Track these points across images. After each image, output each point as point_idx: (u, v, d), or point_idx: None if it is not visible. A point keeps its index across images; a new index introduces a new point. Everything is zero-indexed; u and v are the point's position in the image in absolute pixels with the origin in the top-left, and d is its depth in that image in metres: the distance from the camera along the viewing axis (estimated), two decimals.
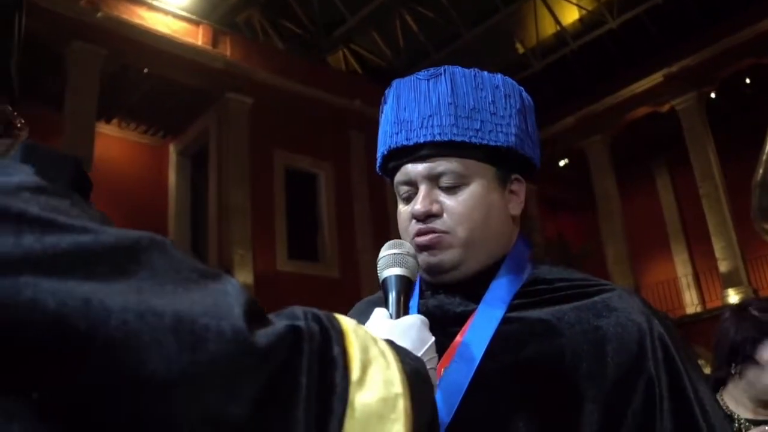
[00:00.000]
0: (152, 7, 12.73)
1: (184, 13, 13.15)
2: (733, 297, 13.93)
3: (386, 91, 1.12)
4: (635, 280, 15.35)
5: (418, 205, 1.02)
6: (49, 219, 0.44)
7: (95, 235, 0.45)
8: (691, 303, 16.76)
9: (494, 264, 1.05)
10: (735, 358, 2.03)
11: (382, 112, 1.12)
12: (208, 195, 13.25)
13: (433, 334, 1.00)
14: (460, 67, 1.08)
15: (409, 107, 1.05)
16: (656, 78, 15.45)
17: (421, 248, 1.02)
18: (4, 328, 0.39)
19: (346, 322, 0.59)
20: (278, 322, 0.51)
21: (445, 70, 1.06)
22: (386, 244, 0.98)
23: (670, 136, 15.90)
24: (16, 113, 0.64)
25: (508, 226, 1.08)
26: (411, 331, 0.83)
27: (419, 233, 1.03)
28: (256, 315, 0.50)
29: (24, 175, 0.48)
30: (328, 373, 0.52)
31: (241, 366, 0.46)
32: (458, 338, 1.00)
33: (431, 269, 1.04)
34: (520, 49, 16.56)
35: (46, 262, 0.42)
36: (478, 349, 0.97)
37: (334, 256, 13.57)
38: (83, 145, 11.18)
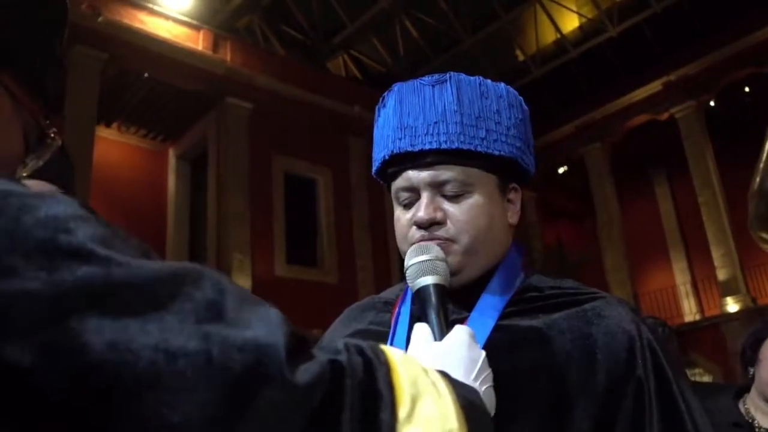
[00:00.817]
0: (153, 12, 12.76)
1: (185, 18, 13.18)
2: (732, 305, 13.94)
3: (385, 95, 1.11)
4: (633, 288, 15.35)
5: (422, 212, 1.01)
6: (94, 251, 0.43)
7: (134, 269, 0.44)
8: (689, 311, 16.75)
9: (490, 271, 1.05)
10: (748, 361, 2.05)
11: (379, 116, 1.11)
12: (207, 199, 13.24)
13: None
14: (464, 75, 1.07)
15: (413, 113, 1.03)
16: (655, 86, 15.49)
17: None
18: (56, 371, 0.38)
19: (393, 353, 0.56)
20: (318, 358, 0.49)
21: (450, 77, 1.05)
22: (411, 250, 0.98)
23: (670, 144, 15.93)
24: (49, 122, 0.63)
25: (506, 234, 1.08)
26: (460, 350, 0.81)
27: (421, 241, 1.02)
28: (296, 349, 0.47)
29: (69, 205, 0.46)
30: (372, 410, 0.49)
31: (281, 410, 0.44)
32: None
33: None
34: (520, 56, 16.60)
35: (89, 298, 0.40)
36: None
37: (332, 261, 13.56)
38: (83, 149, 11.18)
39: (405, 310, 1.07)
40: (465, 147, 1.00)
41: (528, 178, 1.12)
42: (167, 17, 12.91)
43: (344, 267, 13.50)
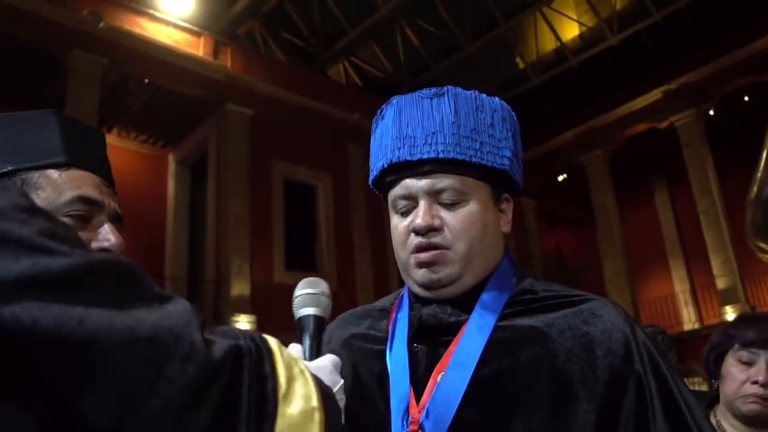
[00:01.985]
0: (154, 18, 12.79)
1: (186, 24, 13.22)
2: (731, 314, 13.91)
3: (383, 107, 1.14)
4: (633, 296, 15.34)
5: (420, 219, 1.04)
6: (42, 244, 0.47)
7: (80, 259, 0.49)
8: (688, 320, 16.74)
9: (485, 278, 1.09)
10: (711, 374, 2.02)
11: (376, 127, 1.15)
12: (207, 204, 13.24)
13: (426, 344, 1.07)
14: (461, 89, 1.11)
15: (411, 123, 1.07)
16: (655, 94, 15.52)
17: (421, 265, 1.05)
18: (7, 349, 0.42)
19: (272, 342, 0.67)
20: (223, 341, 0.58)
21: (448, 90, 1.09)
22: (301, 283, 1.03)
23: (669, 152, 15.96)
24: None
25: (500, 242, 1.12)
26: (323, 372, 0.87)
27: (419, 249, 1.05)
28: (205, 332, 0.56)
29: (15, 196, 0.50)
30: (261, 388, 0.60)
31: (204, 380, 0.52)
32: (452, 347, 1.03)
33: (431, 285, 1.06)
34: (520, 64, 16.64)
35: (41, 285, 0.45)
36: (473, 357, 1.01)
37: (332, 267, 13.55)
38: None
39: (402, 316, 1.11)
40: (461, 157, 1.04)
41: (518, 190, 1.15)
42: (168, 23, 12.93)
43: (343, 273, 13.49)
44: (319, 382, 0.69)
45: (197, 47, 13.25)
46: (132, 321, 0.48)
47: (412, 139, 1.06)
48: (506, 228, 1.13)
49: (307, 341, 0.96)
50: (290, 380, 0.63)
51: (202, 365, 0.51)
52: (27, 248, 0.46)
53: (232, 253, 12.27)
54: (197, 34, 13.36)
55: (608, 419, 0.95)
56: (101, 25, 11.77)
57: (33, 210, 0.50)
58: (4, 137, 0.95)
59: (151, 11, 12.75)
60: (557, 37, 15.84)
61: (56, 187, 0.93)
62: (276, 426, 0.59)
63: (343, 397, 0.88)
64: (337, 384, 0.87)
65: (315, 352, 0.94)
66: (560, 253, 16.19)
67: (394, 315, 1.14)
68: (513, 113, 1.14)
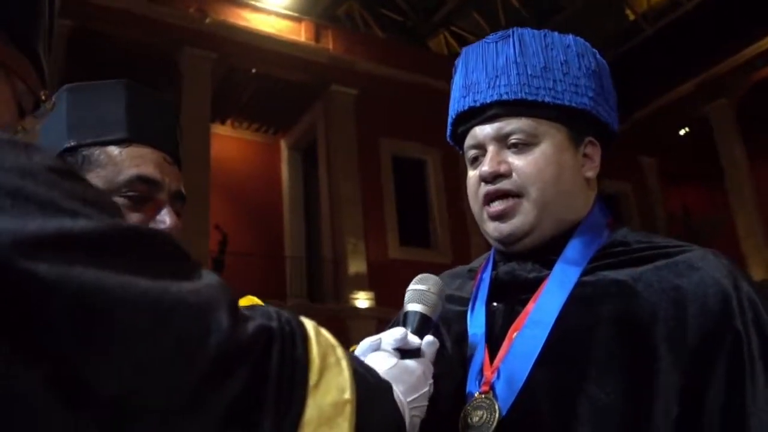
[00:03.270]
0: (256, 9, 13.15)
1: (287, 11, 13.50)
2: None
3: (456, 61, 1.10)
4: None
5: (486, 166, 0.99)
6: (67, 206, 0.45)
7: (107, 223, 0.47)
8: None
9: (568, 230, 1.01)
10: None
11: (452, 82, 1.10)
12: (320, 187, 13.57)
13: (505, 302, 1.02)
14: (529, 29, 1.05)
15: (476, 70, 1.03)
16: None
17: (492, 217, 1.00)
18: (22, 305, 0.40)
19: (310, 327, 0.64)
20: (254, 320, 0.55)
21: (513, 32, 1.04)
22: (416, 278, 0.98)
23: None
24: (44, 91, 0.66)
25: (582, 188, 1.03)
26: (411, 377, 0.83)
27: (488, 198, 0.99)
28: (237, 309, 0.53)
29: (47, 157, 0.49)
30: (292, 374, 0.57)
31: (227, 359, 0.50)
32: (530, 305, 0.97)
33: (505, 238, 1.00)
34: (630, 16, 15.72)
35: (62, 245, 0.43)
36: (551, 315, 0.94)
37: (445, 241, 13.52)
38: (201, 147, 11.75)
39: (486, 275, 1.06)
40: (530, 98, 0.98)
41: (612, 134, 1.07)
42: (270, 12, 13.26)
43: (457, 246, 13.42)
44: (358, 373, 0.65)
45: (299, 33, 13.51)
46: (156, 291, 0.46)
47: (476, 86, 1.02)
48: (591, 174, 1.04)
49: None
50: (324, 369, 0.60)
51: (227, 343, 0.49)
52: (50, 208, 0.44)
53: (347, 232, 12.52)
54: (298, 20, 13.61)
55: (696, 383, 0.85)
56: (208, 20, 12.25)
57: (64, 172, 0.48)
58: (73, 111, 0.94)
59: (253, 2, 13.11)
60: None
61: (115, 164, 0.91)
62: (304, 415, 0.56)
63: (424, 405, 0.84)
64: (419, 391, 0.83)
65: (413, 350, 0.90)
66: (686, 213, 15.27)
67: (479, 275, 1.10)
68: (594, 50, 1.06)
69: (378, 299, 12.19)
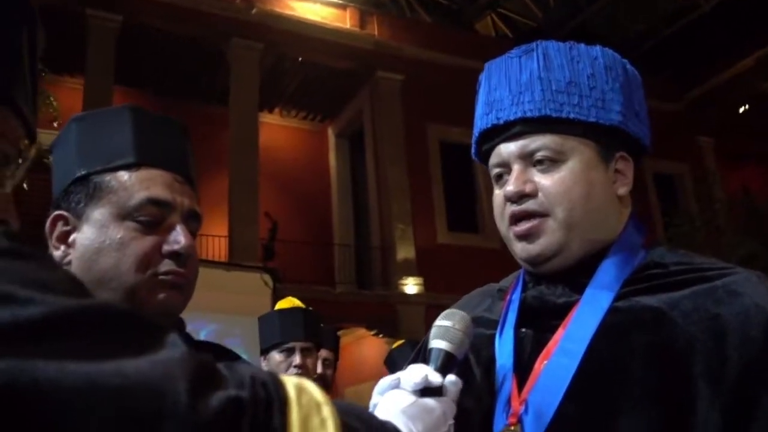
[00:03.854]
0: None
1: None
2: None
3: (480, 76, 1.07)
4: None
5: (510, 185, 0.95)
6: (15, 294, 0.45)
7: (56, 307, 0.46)
8: None
9: (600, 250, 0.96)
10: None
11: (477, 98, 1.07)
12: (367, 174, 13.59)
13: (533, 328, 0.97)
14: (554, 42, 1.01)
15: (499, 86, 1.00)
16: None
17: (519, 237, 0.97)
18: None
19: (292, 389, 0.58)
20: (220, 392, 0.51)
21: (537, 45, 1.00)
22: (442, 313, 0.93)
23: None
24: (27, 143, 0.65)
25: (614, 206, 0.99)
26: (426, 415, 0.79)
27: (514, 219, 0.96)
28: (203, 382, 0.50)
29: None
30: None
31: None
32: (560, 332, 0.93)
33: (532, 259, 0.97)
34: None
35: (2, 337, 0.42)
36: (581, 344, 0.90)
37: (493, 226, 12.97)
38: (250, 136, 11.90)
39: (516, 297, 1.03)
40: (555, 114, 0.94)
41: (643, 148, 1.03)
42: (315, 0, 13.27)
43: None
44: (349, 430, 0.59)
45: (344, 20, 13.49)
46: (100, 372, 0.43)
47: (500, 103, 0.99)
48: (623, 191, 0.99)
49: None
50: None
51: (183, 424, 0.45)
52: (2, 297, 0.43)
53: (395, 218, 12.51)
54: (343, 7, 13.59)
55: (738, 422, 0.79)
56: (254, 11, 12.35)
57: (15, 254, 0.47)
58: (81, 140, 0.95)
59: None
60: None
61: (126, 189, 0.92)
62: None
63: None
64: (437, 430, 0.79)
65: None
66: (748, 194, 14.70)
67: (508, 296, 1.05)
68: (624, 61, 1.02)
69: (427, 285, 12.16)
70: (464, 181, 13.65)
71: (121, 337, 0.48)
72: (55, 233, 0.94)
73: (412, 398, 0.81)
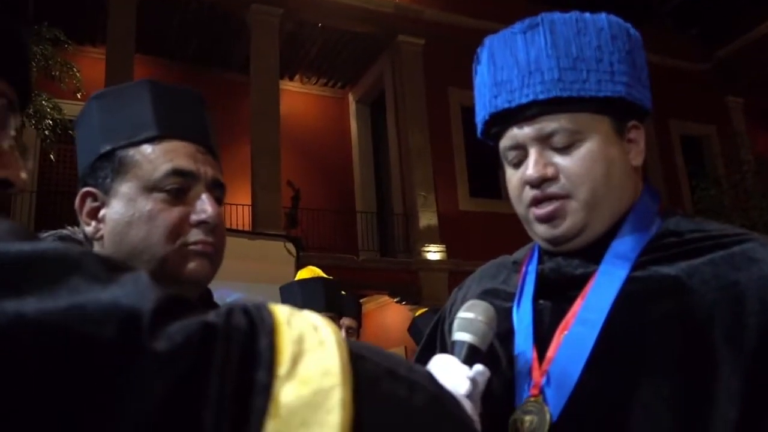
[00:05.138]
0: None
1: None
2: None
3: (478, 50, 1.04)
4: None
5: (531, 170, 0.94)
6: None
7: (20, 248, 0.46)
8: None
9: (617, 222, 0.96)
10: None
11: (476, 74, 1.05)
12: (389, 140, 13.53)
13: (551, 300, 0.97)
14: (559, 14, 0.98)
15: (506, 66, 0.97)
16: None
17: (541, 220, 0.95)
18: None
19: (281, 313, 0.52)
20: (191, 321, 0.46)
21: (542, 19, 0.97)
22: (465, 304, 0.91)
23: None
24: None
25: (631, 179, 0.98)
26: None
27: (535, 201, 0.95)
28: (166, 311, 0.46)
29: None
30: (247, 371, 0.46)
31: (139, 378, 0.43)
32: (578, 302, 0.93)
33: (555, 240, 0.96)
34: None
35: None
36: (600, 313, 0.90)
37: None
38: (270, 103, 11.88)
39: (531, 269, 1.03)
40: (564, 94, 0.92)
41: (646, 111, 1.00)
42: None
43: None
44: (356, 356, 0.52)
45: None
46: (56, 306, 0.42)
47: (509, 84, 0.96)
48: (637, 161, 0.98)
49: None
50: (298, 355, 0.48)
51: (142, 354, 0.43)
52: None
53: (417, 185, 12.48)
54: None
55: (758, 387, 0.79)
56: None
57: None
58: (103, 117, 0.97)
59: None
60: None
61: (150, 162, 0.93)
62: (268, 414, 0.45)
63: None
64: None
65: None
66: None
67: (524, 268, 1.05)
68: (627, 25, 0.99)
69: (449, 251, 12.17)
70: (486, 147, 13.52)
71: (79, 274, 0.46)
72: (85, 209, 0.95)
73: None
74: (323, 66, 14.46)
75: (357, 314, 3.46)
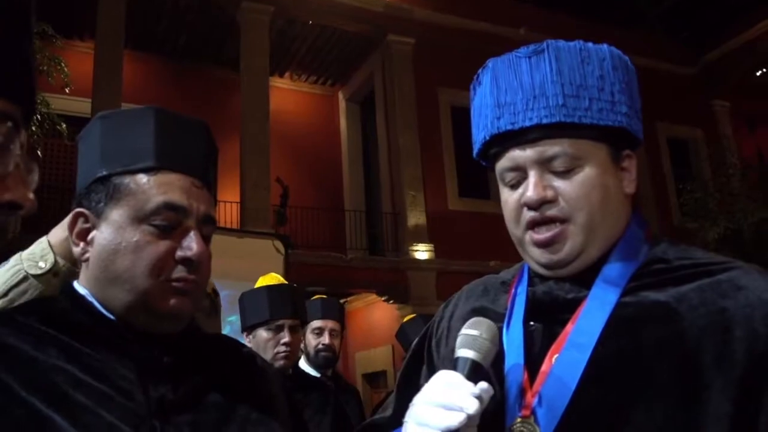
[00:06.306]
0: None
1: None
2: None
3: (479, 72, 1.06)
4: None
5: (530, 192, 0.95)
6: None
7: None
8: None
9: (608, 248, 0.98)
10: None
11: (474, 94, 1.07)
12: (378, 138, 13.53)
13: (543, 323, 0.98)
14: (563, 41, 1.00)
15: (510, 89, 0.98)
16: None
17: (539, 244, 0.97)
18: None
19: None
20: None
21: (548, 46, 0.99)
22: (469, 321, 0.92)
23: None
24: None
25: (623, 206, 1.00)
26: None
27: (533, 224, 0.96)
28: None
29: None
30: None
31: None
32: (569, 326, 0.95)
33: (552, 266, 0.98)
34: None
35: None
36: (591, 337, 0.92)
37: None
38: (260, 100, 11.84)
39: (521, 290, 1.04)
40: (568, 120, 0.94)
41: (639, 142, 1.03)
42: None
43: None
44: None
45: None
46: None
47: (512, 106, 0.97)
48: (630, 188, 1.00)
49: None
50: None
51: None
52: None
53: (406, 184, 12.49)
54: None
55: (747, 412, 0.82)
56: None
57: None
58: (104, 139, 0.97)
59: None
60: None
61: (143, 192, 0.94)
62: None
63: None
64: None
65: None
66: (763, 159, 14.52)
67: (513, 290, 1.07)
68: (626, 58, 1.02)
69: (437, 251, 12.20)
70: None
71: None
72: (76, 230, 0.96)
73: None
74: (313, 64, 14.44)
75: (340, 317, 3.50)
